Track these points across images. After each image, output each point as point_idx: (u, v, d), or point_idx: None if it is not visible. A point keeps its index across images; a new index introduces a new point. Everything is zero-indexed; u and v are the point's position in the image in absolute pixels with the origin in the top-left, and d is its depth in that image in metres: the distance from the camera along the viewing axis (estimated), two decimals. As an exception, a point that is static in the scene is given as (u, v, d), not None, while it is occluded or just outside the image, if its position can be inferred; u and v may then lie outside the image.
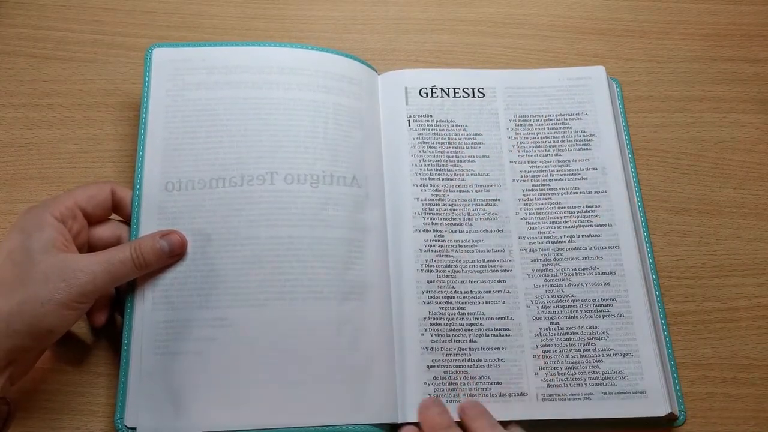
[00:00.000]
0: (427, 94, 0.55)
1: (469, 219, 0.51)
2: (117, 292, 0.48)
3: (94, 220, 0.47)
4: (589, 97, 0.55)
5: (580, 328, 0.48)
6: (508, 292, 0.49)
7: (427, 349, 0.47)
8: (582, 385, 0.46)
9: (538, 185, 0.52)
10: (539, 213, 0.51)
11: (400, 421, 0.45)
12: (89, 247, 0.47)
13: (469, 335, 0.47)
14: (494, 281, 0.49)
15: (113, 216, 0.48)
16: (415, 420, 0.45)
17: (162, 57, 0.52)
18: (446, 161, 0.53)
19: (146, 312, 0.45)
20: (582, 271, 0.49)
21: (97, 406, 0.46)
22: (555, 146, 0.54)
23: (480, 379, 0.46)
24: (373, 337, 0.46)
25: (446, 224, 0.51)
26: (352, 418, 0.44)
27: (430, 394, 0.45)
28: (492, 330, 0.48)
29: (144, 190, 0.48)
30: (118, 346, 0.45)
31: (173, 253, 0.46)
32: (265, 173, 0.48)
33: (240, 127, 0.50)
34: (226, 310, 0.45)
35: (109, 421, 0.45)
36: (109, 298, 0.47)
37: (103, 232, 0.47)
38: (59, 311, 0.41)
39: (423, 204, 0.51)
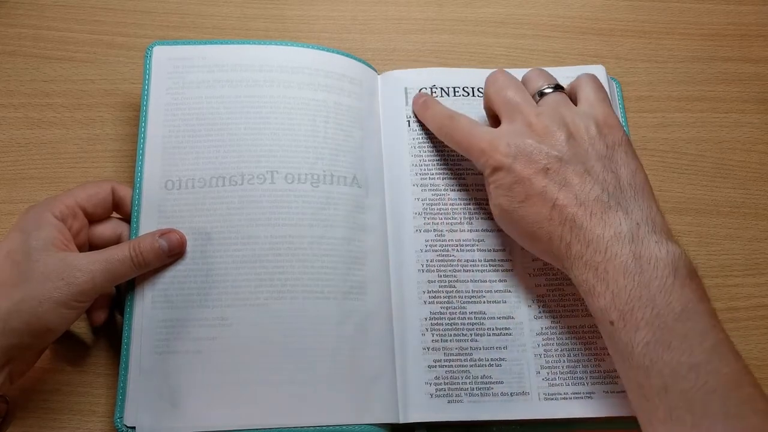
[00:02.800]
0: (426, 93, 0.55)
1: (469, 218, 0.51)
2: (117, 291, 0.48)
3: (94, 218, 0.47)
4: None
5: (581, 326, 0.48)
6: (510, 291, 0.49)
7: (428, 349, 0.47)
8: (583, 384, 0.46)
9: (538, 184, 0.52)
10: (540, 212, 0.51)
11: (401, 422, 0.45)
12: (90, 245, 0.47)
13: (471, 335, 0.47)
14: (495, 281, 0.49)
15: (113, 214, 0.48)
16: (417, 420, 0.45)
17: (162, 55, 0.52)
18: (446, 161, 0.53)
19: (146, 311, 0.45)
20: (583, 270, 0.49)
21: (96, 406, 0.46)
22: (555, 145, 0.54)
23: (482, 378, 0.46)
24: (373, 336, 0.46)
25: (447, 224, 0.50)
26: (352, 417, 0.44)
27: (431, 395, 0.45)
28: (493, 329, 0.48)
29: (144, 189, 0.48)
30: (117, 346, 0.45)
31: (172, 252, 0.46)
32: (265, 172, 0.48)
33: (240, 126, 0.50)
34: (226, 309, 0.45)
35: (109, 421, 0.45)
36: (109, 296, 0.47)
37: (103, 230, 0.47)
38: (58, 310, 0.41)
39: (423, 204, 0.51)
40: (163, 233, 0.46)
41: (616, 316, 0.38)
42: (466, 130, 0.48)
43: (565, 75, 0.55)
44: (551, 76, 0.48)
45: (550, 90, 0.46)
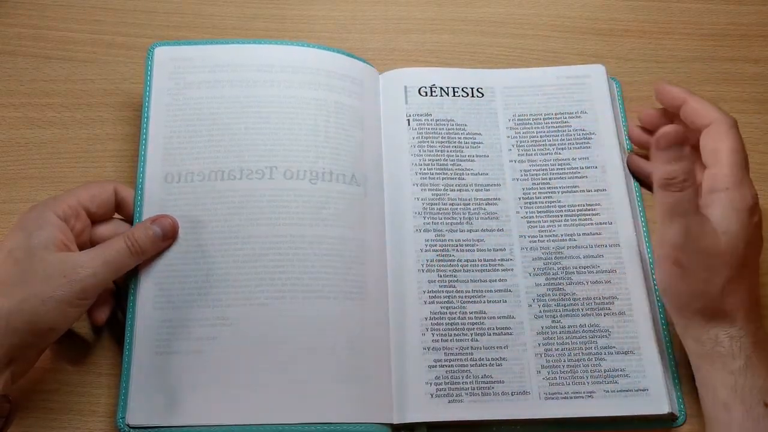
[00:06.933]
0: (426, 93, 0.55)
1: (469, 218, 0.51)
2: (118, 291, 0.48)
3: (97, 218, 0.47)
4: (588, 96, 0.55)
5: (581, 326, 0.48)
6: (510, 290, 0.49)
7: (428, 348, 0.47)
8: (584, 384, 0.46)
9: (538, 184, 0.52)
10: (539, 211, 0.51)
11: (401, 421, 0.45)
12: (91, 245, 0.47)
13: (471, 334, 0.47)
14: (495, 280, 0.49)
15: (115, 215, 0.48)
16: (417, 420, 0.45)
17: (163, 55, 0.52)
18: (446, 161, 0.53)
19: (147, 311, 0.45)
20: (583, 270, 0.49)
21: (97, 405, 0.46)
22: (554, 145, 0.54)
23: (482, 378, 0.46)
24: (372, 336, 0.46)
25: (447, 224, 0.51)
26: (352, 416, 0.44)
27: (432, 395, 0.45)
28: (494, 329, 0.48)
29: (146, 190, 0.48)
30: (118, 345, 0.45)
31: (166, 237, 0.46)
32: (264, 168, 0.49)
33: (241, 126, 0.50)
34: (226, 309, 0.45)
35: (109, 421, 0.45)
36: (111, 296, 0.47)
37: (105, 230, 0.47)
38: (61, 308, 0.41)
39: (423, 204, 0.51)
40: (154, 220, 0.46)
41: None
42: None
43: (565, 75, 0.55)
44: None
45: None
